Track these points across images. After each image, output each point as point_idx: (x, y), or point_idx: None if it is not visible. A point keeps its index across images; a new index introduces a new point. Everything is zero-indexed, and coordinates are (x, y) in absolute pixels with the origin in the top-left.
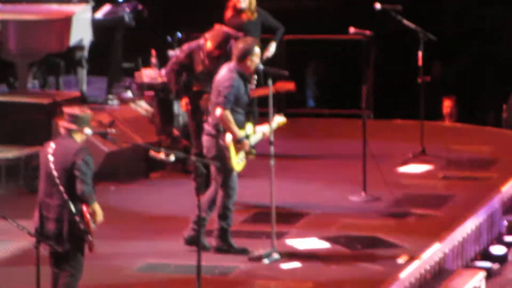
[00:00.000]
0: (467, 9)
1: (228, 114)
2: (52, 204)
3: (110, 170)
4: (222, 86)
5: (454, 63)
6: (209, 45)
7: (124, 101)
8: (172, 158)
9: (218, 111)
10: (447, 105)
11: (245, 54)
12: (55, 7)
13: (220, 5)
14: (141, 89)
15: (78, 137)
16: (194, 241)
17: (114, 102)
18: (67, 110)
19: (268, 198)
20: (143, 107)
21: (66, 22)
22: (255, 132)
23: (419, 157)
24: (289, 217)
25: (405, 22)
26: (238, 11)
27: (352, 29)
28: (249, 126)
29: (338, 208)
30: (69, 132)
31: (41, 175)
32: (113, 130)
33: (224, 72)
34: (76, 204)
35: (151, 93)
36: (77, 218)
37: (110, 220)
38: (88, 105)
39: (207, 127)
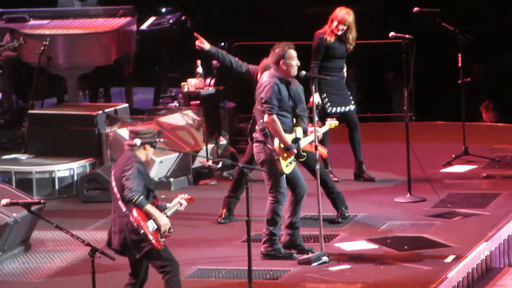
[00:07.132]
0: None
1: (275, 119)
2: (115, 217)
3: (160, 179)
4: (263, 93)
5: (493, 64)
6: None
7: (171, 111)
8: (219, 165)
9: (265, 117)
10: (487, 106)
11: (279, 59)
12: (101, 20)
13: (261, 15)
14: (187, 98)
15: (141, 154)
16: (291, 245)
17: (161, 112)
18: (131, 128)
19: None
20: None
21: (112, 35)
22: (307, 135)
23: (462, 157)
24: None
25: (444, 24)
26: (336, 35)
27: (392, 33)
28: (299, 129)
29: (384, 210)
30: (131, 148)
31: None
32: (161, 140)
33: (264, 78)
34: (132, 212)
35: (197, 102)
36: (135, 225)
37: None
38: (135, 116)
39: (256, 134)
